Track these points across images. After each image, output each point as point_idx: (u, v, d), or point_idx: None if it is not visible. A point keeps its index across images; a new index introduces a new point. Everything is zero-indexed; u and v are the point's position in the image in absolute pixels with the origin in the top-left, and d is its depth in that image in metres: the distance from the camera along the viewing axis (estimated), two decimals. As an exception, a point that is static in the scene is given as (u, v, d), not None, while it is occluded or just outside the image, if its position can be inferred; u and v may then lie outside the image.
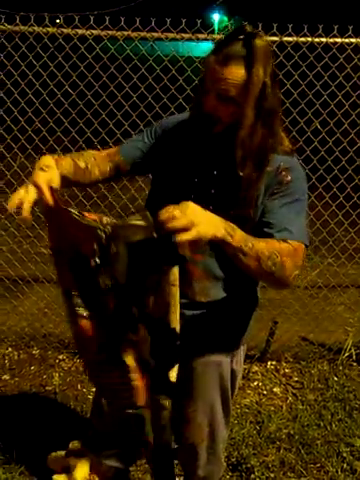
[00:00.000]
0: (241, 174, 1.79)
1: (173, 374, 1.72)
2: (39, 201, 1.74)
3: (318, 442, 3.21)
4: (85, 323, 1.80)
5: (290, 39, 3.54)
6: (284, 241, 1.77)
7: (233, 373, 2.16)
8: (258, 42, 1.72)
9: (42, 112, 3.86)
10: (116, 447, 2.38)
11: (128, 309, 1.71)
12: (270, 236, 1.79)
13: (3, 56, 3.70)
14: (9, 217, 4.35)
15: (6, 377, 3.70)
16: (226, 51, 1.72)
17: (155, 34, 3.48)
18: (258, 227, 1.83)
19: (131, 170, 2.12)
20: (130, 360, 1.76)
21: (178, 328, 1.68)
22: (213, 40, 3.43)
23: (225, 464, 2.71)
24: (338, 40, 3.59)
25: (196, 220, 1.53)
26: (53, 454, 2.79)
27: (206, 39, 3.49)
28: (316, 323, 4.24)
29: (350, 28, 3.55)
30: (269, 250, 1.72)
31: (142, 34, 3.50)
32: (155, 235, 1.59)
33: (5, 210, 4.15)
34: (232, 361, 2.13)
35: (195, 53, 3.64)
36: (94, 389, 3.40)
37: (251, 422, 3.35)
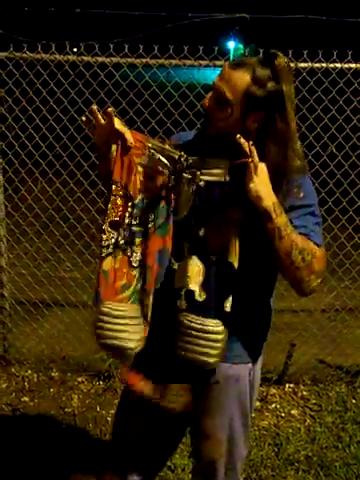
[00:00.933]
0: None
1: (227, 304, 1.86)
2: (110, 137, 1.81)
3: (337, 464, 3.20)
4: (122, 257, 1.86)
5: (305, 65, 3.61)
6: (318, 245, 1.87)
7: (251, 388, 2.16)
8: (279, 61, 1.78)
9: (62, 138, 3.94)
10: (138, 468, 2.38)
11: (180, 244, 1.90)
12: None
13: (25, 83, 3.80)
14: (30, 240, 4.43)
15: (26, 399, 3.73)
16: (241, 59, 1.82)
17: (173, 61, 3.56)
18: None
19: None
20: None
21: (236, 264, 1.84)
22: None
23: (244, 485, 2.71)
24: (353, 65, 3.65)
25: (263, 181, 1.76)
26: None
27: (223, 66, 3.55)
28: (334, 346, 4.23)
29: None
30: (303, 245, 1.82)
31: (160, 61, 3.59)
32: (227, 178, 1.82)
33: (26, 234, 4.27)
34: (250, 374, 2.13)
35: (211, 80, 3.70)
36: (113, 411, 3.44)
37: (269, 444, 3.35)
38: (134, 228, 1.85)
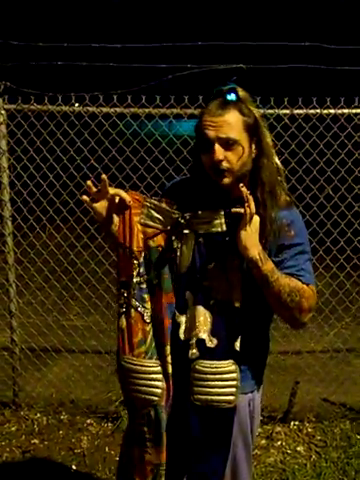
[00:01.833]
0: (261, 212, 1.95)
1: (237, 344, 1.96)
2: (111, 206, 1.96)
3: (343, 499, 3.25)
4: (136, 315, 1.98)
5: (300, 111, 3.78)
6: (306, 284, 1.98)
7: (251, 418, 2.20)
8: (240, 91, 1.94)
9: (69, 185, 4.08)
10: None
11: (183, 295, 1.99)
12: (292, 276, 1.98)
13: (33, 133, 3.96)
14: (38, 285, 4.53)
15: (36, 441, 3.78)
16: (216, 103, 1.91)
17: (174, 110, 3.72)
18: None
19: None
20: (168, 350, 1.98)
21: (239, 305, 1.95)
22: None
23: None
24: (345, 111, 3.80)
25: (253, 231, 1.88)
26: None
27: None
28: (337, 384, 4.29)
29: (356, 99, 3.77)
30: (291, 287, 1.93)
31: (162, 111, 3.75)
32: (224, 228, 1.92)
33: (35, 280, 4.37)
34: (250, 405, 2.18)
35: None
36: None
37: (276, 480, 3.40)
38: (143, 286, 1.98)
